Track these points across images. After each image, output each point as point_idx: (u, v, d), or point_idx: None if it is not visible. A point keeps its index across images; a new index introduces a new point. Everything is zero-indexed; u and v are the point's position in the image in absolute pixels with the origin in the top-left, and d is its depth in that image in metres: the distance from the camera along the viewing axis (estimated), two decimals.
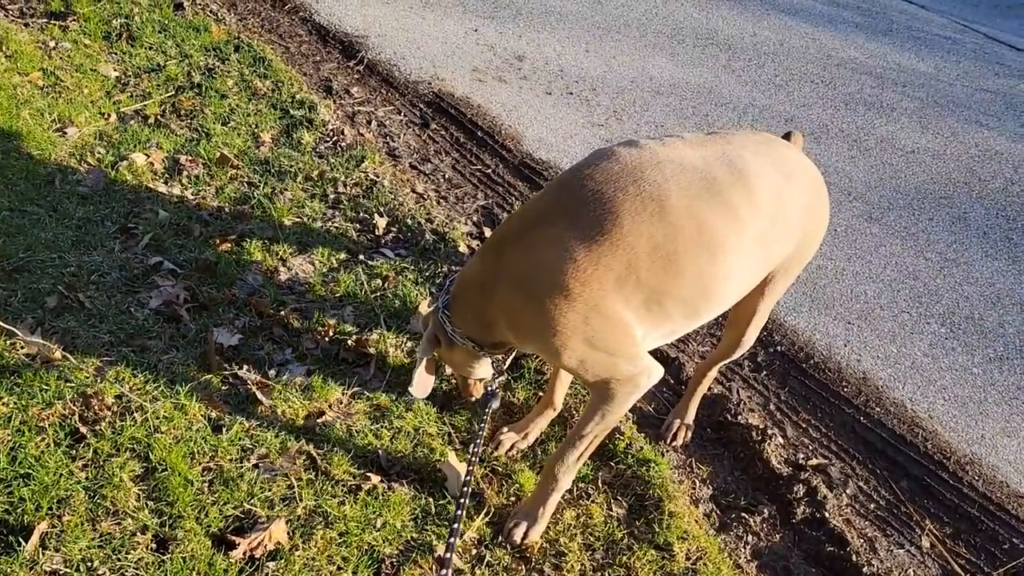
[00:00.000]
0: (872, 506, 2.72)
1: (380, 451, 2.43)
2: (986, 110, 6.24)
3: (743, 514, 2.60)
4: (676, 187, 1.95)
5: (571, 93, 5.05)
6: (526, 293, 1.96)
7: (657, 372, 2.07)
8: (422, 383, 2.32)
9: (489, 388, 2.31)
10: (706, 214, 1.95)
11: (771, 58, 6.41)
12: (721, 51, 6.32)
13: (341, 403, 2.57)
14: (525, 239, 1.98)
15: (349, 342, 2.78)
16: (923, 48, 7.51)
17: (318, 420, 2.48)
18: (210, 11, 4.73)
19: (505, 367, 2.31)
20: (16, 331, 2.30)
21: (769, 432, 2.86)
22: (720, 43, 6.48)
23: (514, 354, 2.28)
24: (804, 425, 2.99)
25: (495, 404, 2.30)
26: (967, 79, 6.91)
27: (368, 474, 2.34)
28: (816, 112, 5.61)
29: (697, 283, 1.98)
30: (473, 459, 2.07)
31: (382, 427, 2.51)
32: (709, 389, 2.92)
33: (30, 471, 2.04)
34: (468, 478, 2.01)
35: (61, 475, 2.06)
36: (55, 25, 4.13)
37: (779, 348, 3.31)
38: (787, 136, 2.44)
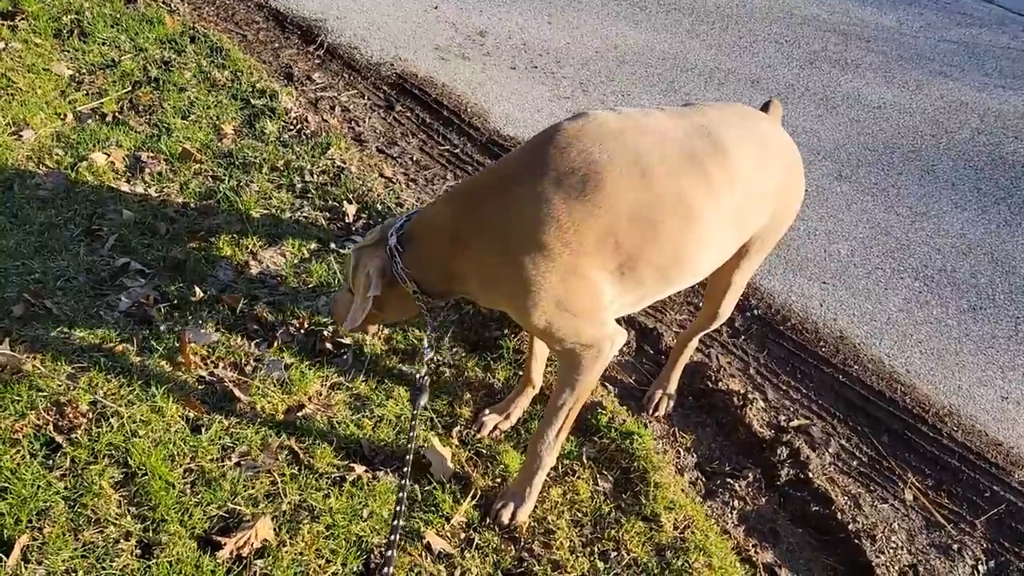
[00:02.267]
0: (855, 463, 2.75)
1: (363, 441, 2.42)
2: (950, 61, 6.26)
3: (728, 480, 2.61)
4: (659, 155, 1.96)
5: (536, 67, 5.00)
6: (504, 250, 1.93)
7: (620, 338, 2.08)
8: (357, 317, 2.16)
9: (418, 380, 2.24)
10: (686, 184, 1.96)
11: (735, 20, 6.38)
12: (684, 16, 6.28)
13: (320, 395, 2.55)
14: (507, 195, 1.93)
15: (325, 333, 2.75)
16: (885, 2, 7.50)
17: (298, 414, 2.46)
18: (163, 2, 4.62)
19: (439, 326, 2.29)
20: None
21: (750, 396, 2.87)
22: (683, 8, 6.44)
23: (448, 306, 2.22)
24: (784, 387, 3.01)
25: (424, 400, 2.23)
26: (930, 31, 6.92)
27: (352, 464, 2.33)
28: (782, 72, 5.60)
29: (672, 252, 1.98)
30: (404, 482, 1.96)
31: (363, 416, 2.50)
32: (689, 358, 2.92)
33: (7, 484, 2.01)
34: (402, 495, 1.93)
35: (39, 486, 2.03)
36: (3, 25, 4.01)
37: (756, 312, 3.32)
38: (766, 106, 2.44)
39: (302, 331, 2.76)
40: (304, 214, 3.29)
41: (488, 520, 2.27)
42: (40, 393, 2.27)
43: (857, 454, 2.79)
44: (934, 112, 5.33)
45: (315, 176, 3.51)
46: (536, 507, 2.32)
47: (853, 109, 5.21)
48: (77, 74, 3.83)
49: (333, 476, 2.28)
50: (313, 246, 3.15)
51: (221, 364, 2.58)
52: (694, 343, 2.77)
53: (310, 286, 2.94)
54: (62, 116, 3.51)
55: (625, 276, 1.98)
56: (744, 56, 5.74)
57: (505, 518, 2.27)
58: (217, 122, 3.69)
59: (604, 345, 2.04)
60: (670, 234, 1.96)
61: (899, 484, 2.70)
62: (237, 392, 2.47)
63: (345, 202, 3.37)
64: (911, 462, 2.78)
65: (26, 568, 1.86)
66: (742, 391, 2.89)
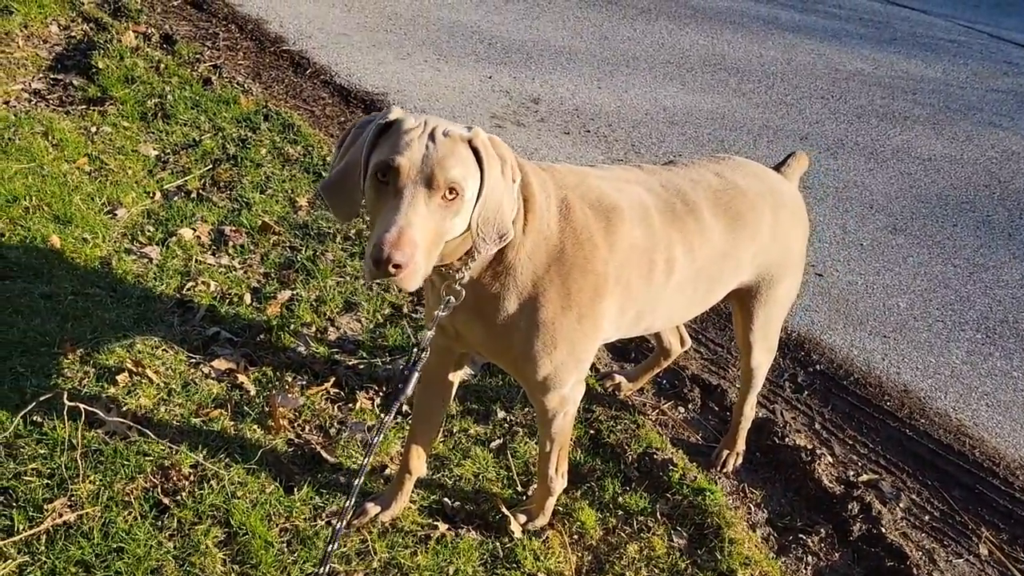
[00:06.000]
0: (927, 518, 2.77)
1: (445, 499, 2.52)
2: (999, 111, 6.31)
3: (800, 535, 2.65)
4: (652, 203, 2.10)
5: (588, 131, 5.18)
6: (546, 262, 1.92)
7: (581, 390, 2.20)
8: None
9: (411, 364, 1.93)
10: (671, 232, 2.10)
11: (780, 78, 6.52)
12: (730, 75, 6.45)
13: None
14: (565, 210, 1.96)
15: (402, 397, 2.88)
16: (929, 54, 7.60)
17: (382, 474, 2.58)
18: (237, 83, 4.92)
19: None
20: (97, 411, 2.43)
21: (817, 452, 2.91)
22: (728, 67, 6.61)
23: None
24: (851, 442, 3.05)
25: (409, 391, 1.93)
26: (977, 81, 6.99)
27: (435, 523, 2.43)
28: (829, 128, 5.71)
29: (653, 297, 2.13)
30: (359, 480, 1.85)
31: (443, 476, 2.61)
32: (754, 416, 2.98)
33: (122, 544, 2.15)
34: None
35: (151, 546, 2.17)
36: (94, 111, 4.32)
37: (818, 367, 3.37)
38: (785, 161, 2.56)
39: (380, 394, 2.89)
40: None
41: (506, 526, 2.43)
42: (147, 457, 2.42)
43: (928, 508, 2.81)
44: (986, 163, 5.37)
45: None
46: (614, 563, 2.39)
47: (903, 162, 5.29)
48: (162, 154, 4.10)
49: (418, 534, 2.39)
50: (387, 311, 3.30)
51: (307, 427, 2.72)
52: (751, 401, 2.82)
53: (386, 349, 3.09)
54: (151, 194, 3.75)
55: (623, 314, 2.10)
56: (791, 113, 5.86)
57: (521, 522, 2.46)
58: (292, 195, 3.90)
59: (570, 405, 2.18)
60: (656, 280, 2.09)
61: (973, 539, 2.71)
62: (324, 454, 2.61)
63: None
64: (984, 516, 2.79)
65: None
66: (809, 446, 2.94)
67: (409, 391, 1.94)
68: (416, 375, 1.93)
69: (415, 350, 1.94)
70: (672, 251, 2.09)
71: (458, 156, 1.65)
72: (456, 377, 2.38)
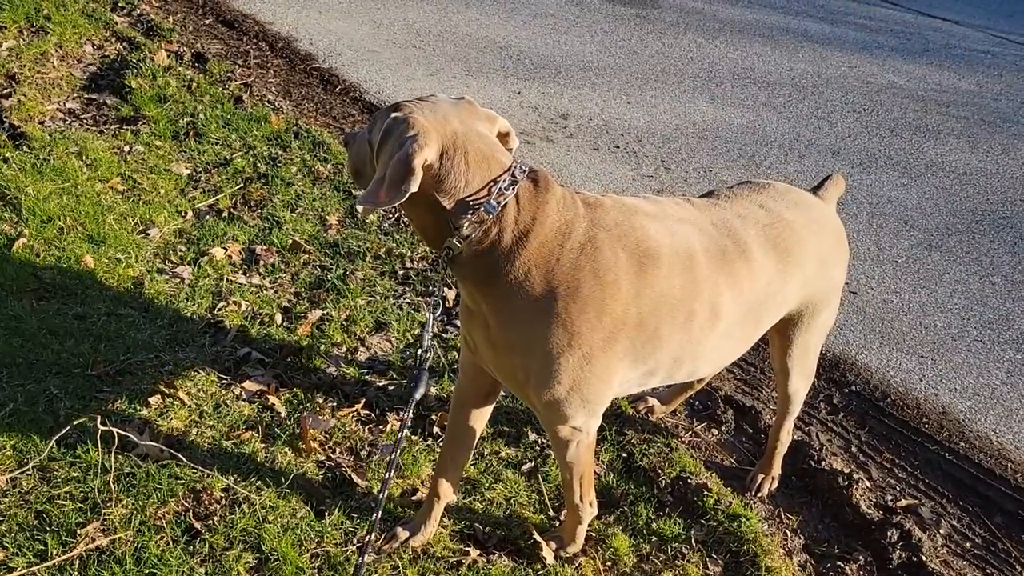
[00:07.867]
0: (968, 545, 2.70)
1: (476, 524, 2.50)
2: None
3: (838, 563, 2.60)
4: (700, 245, 2.03)
5: (618, 147, 5.16)
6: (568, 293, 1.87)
7: (597, 422, 2.13)
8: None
9: (417, 365, 2.05)
10: (718, 278, 2.03)
11: (810, 91, 6.46)
12: (760, 89, 6.39)
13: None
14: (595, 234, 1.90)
15: (433, 417, 2.87)
16: (962, 65, 7.50)
17: (412, 498, 2.57)
18: (267, 101, 4.95)
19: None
20: (129, 435, 2.44)
21: (855, 476, 2.86)
22: (758, 81, 6.56)
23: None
24: (889, 466, 2.98)
25: (421, 391, 2.05)
26: (1011, 93, 6.88)
27: (467, 548, 2.41)
28: (862, 141, 5.63)
29: (693, 345, 2.06)
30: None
31: (474, 500, 2.58)
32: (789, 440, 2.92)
33: (154, 570, 2.15)
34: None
35: (183, 572, 2.16)
36: (127, 130, 4.37)
37: (854, 388, 3.31)
38: (822, 184, 2.51)
39: (411, 415, 2.87)
40: (407, 300, 3.45)
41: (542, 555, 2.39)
42: (178, 481, 2.43)
43: (970, 535, 2.74)
44: (1023, 176, 5.27)
45: (415, 263, 3.68)
46: None
47: (938, 176, 5.20)
48: (194, 173, 4.13)
49: (450, 560, 2.37)
50: (417, 331, 3.29)
51: (338, 449, 2.71)
52: (787, 427, 2.76)
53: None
54: (183, 213, 3.78)
55: (645, 362, 2.02)
56: (823, 127, 5.80)
57: (553, 550, 2.42)
58: (322, 213, 3.92)
59: (582, 436, 2.11)
60: (697, 328, 2.03)
61: (1017, 567, 2.63)
62: (355, 477, 2.60)
63: (444, 287, 3.52)
64: None
65: None
66: (846, 470, 2.88)
67: (421, 391, 2.05)
68: (425, 376, 2.06)
69: (419, 352, 2.06)
70: (718, 298, 2.03)
71: (377, 119, 1.92)
72: (491, 403, 2.36)
